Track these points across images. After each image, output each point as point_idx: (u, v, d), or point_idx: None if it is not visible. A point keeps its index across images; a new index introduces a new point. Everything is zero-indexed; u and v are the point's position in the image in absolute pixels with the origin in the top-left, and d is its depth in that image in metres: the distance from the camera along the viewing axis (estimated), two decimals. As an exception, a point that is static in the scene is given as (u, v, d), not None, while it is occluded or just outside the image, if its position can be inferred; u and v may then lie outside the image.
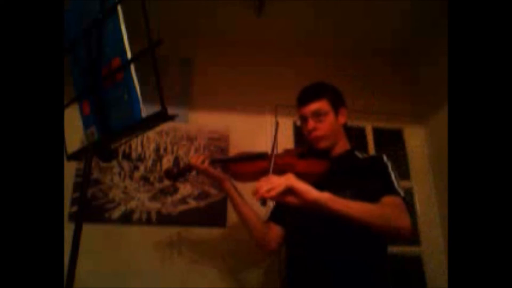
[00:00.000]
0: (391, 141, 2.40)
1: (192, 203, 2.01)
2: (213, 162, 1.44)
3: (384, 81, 2.43)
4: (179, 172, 1.48)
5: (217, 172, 1.44)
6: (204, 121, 2.19)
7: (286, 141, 2.18)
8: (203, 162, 1.41)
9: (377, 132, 2.34)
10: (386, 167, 1.24)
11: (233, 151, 2.04)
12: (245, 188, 1.39)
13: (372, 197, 1.12)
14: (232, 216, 2.00)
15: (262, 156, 1.38)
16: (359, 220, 1.00)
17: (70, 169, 1.92)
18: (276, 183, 0.99)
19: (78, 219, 0.89)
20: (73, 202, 1.91)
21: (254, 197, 1.00)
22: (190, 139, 2.15)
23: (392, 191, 1.16)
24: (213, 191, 2.05)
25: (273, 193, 0.97)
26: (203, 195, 2.03)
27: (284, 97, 2.00)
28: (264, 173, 1.32)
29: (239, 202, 1.41)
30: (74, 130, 1.23)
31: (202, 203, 2.02)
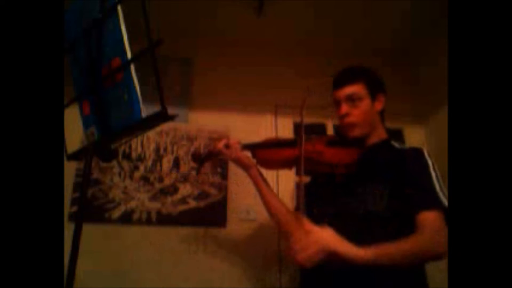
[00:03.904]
0: (391, 141, 2.39)
1: (192, 203, 2.01)
2: (243, 147, 1.35)
3: (384, 81, 2.43)
4: (206, 155, 1.42)
5: (245, 157, 1.33)
6: (204, 121, 2.19)
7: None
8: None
9: (377, 132, 2.33)
10: (427, 166, 1.12)
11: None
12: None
13: (410, 206, 1.06)
14: (232, 216, 2.01)
15: (292, 143, 1.30)
16: (402, 265, 0.98)
17: (70, 169, 1.93)
18: (313, 249, 0.91)
19: (78, 219, 0.89)
20: (73, 202, 1.91)
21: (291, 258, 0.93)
22: (190, 139, 2.15)
23: (432, 203, 1.05)
24: (213, 191, 2.05)
25: (312, 262, 0.90)
26: (203, 195, 2.03)
27: (284, 97, 1.99)
28: (292, 162, 1.26)
29: (265, 191, 1.31)
30: (74, 130, 1.23)
31: (202, 203, 2.02)
